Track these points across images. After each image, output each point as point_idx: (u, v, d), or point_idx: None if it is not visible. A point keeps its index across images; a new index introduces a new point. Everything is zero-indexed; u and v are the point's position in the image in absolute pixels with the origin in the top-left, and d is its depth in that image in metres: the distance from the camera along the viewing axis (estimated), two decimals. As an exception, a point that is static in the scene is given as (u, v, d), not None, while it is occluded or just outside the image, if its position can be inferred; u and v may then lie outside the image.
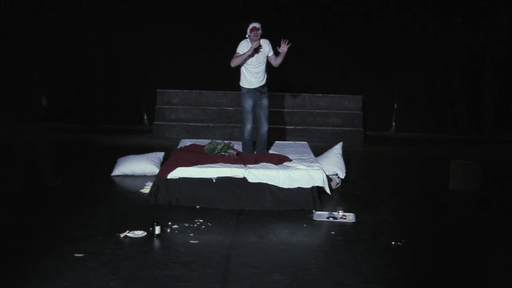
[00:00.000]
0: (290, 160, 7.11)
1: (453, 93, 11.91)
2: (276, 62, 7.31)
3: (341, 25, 11.89)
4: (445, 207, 6.90)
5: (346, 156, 8.06)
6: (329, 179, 7.08)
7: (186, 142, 8.18)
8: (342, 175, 7.48)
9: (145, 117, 12.47)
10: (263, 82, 7.33)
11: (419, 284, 4.62)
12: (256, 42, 7.02)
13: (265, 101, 7.34)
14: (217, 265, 4.78)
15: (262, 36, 7.20)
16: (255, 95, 7.30)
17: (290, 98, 11.75)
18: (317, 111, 11.59)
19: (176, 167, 6.62)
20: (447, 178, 7.61)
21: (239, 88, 7.45)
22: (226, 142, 7.52)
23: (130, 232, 5.48)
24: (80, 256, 4.86)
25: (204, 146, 7.44)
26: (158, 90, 11.82)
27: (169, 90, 11.81)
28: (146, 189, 7.07)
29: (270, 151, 7.70)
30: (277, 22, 11.53)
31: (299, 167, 6.79)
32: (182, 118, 11.52)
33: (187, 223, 5.84)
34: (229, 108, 11.46)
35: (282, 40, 7.18)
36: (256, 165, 6.77)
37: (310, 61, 11.96)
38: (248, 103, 7.33)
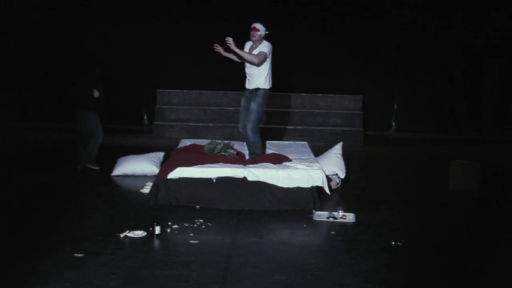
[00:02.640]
0: (290, 160, 7.11)
1: (453, 93, 11.92)
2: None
3: (341, 25, 11.90)
4: (445, 207, 6.90)
5: (346, 156, 8.06)
6: (329, 179, 7.08)
7: (186, 142, 8.18)
8: (342, 175, 7.48)
9: (145, 117, 12.48)
10: (251, 87, 7.19)
11: (419, 284, 4.62)
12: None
13: (252, 104, 7.19)
14: (217, 265, 4.78)
15: (268, 40, 7.14)
16: (246, 95, 7.32)
17: (290, 98, 11.75)
18: (317, 111, 11.59)
19: (176, 167, 6.62)
20: (447, 178, 7.61)
21: (243, 88, 7.43)
22: (226, 142, 7.52)
23: (130, 232, 5.47)
24: (80, 256, 4.86)
25: (204, 146, 7.45)
26: (158, 90, 11.83)
27: (169, 90, 11.82)
28: (146, 189, 7.07)
29: (270, 151, 7.69)
30: (278, 22, 11.54)
31: (298, 167, 6.79)
32: (182, 118, 11.53)
33: (187, 223, 5.83)
34: (229, 108, 11.46)
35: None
36: (256, 165, 6.78)
37: (310, 61, 11.97)
38: (241, 102, 7.40)
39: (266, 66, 7.12)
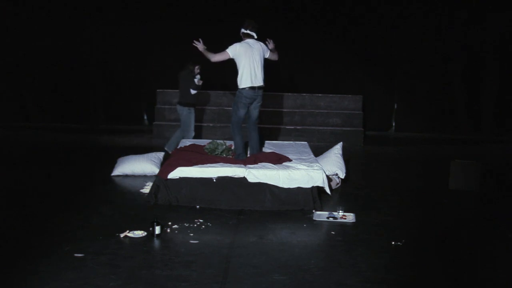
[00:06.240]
0: (290, 160, 7.11)
1: (453, 93, 11.93)
2: None
3: (341, 25, 11.90)
4: (445, 207, 6.90)
5: (346, 156, 8.06)
6: (329, 179, 7.08)
7: (186, 142, 8.19)
8: (342, 175, 7.48)
9: (145, 117, 12.47)
10: None
11: (419, 284, 4.62)
12: None
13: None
14: (217, 265, 4.78)
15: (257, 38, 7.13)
16: None
17: (290, 98, 11.75)
18: (317, 111, 11.60)
19: (176, 167, 6.62)
20: (447, 178, 7.61)
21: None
22: (227, 144, 7.52)
23: (130, 232, 5.47)
24: (80, 256, 4.86)
25: (204, 146, 7.44)
26: (158, 90, 11.83)
27: (169, 90, 11.82)
28: (146, 189, 7.07)
29: (270, 151, 7.68)
30: (277, 22, 11.55)
31: (299, 167, 6.79)
32: (182, 118, 11.52)
33: (187, 223, 5.83)
34: (229, 108, 11.43)
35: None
36: (256, 165, 6.77)
37: (310, 61, 11.98)
38: None
39: (240, 67, 7.03)
